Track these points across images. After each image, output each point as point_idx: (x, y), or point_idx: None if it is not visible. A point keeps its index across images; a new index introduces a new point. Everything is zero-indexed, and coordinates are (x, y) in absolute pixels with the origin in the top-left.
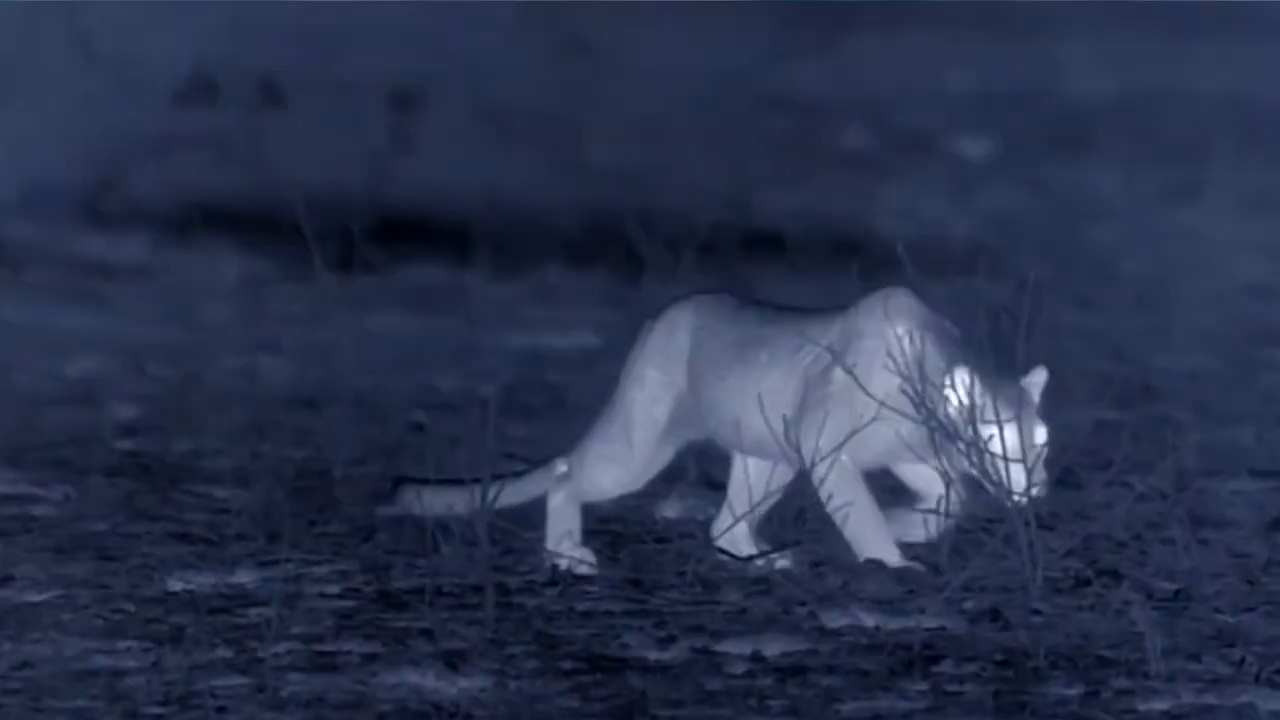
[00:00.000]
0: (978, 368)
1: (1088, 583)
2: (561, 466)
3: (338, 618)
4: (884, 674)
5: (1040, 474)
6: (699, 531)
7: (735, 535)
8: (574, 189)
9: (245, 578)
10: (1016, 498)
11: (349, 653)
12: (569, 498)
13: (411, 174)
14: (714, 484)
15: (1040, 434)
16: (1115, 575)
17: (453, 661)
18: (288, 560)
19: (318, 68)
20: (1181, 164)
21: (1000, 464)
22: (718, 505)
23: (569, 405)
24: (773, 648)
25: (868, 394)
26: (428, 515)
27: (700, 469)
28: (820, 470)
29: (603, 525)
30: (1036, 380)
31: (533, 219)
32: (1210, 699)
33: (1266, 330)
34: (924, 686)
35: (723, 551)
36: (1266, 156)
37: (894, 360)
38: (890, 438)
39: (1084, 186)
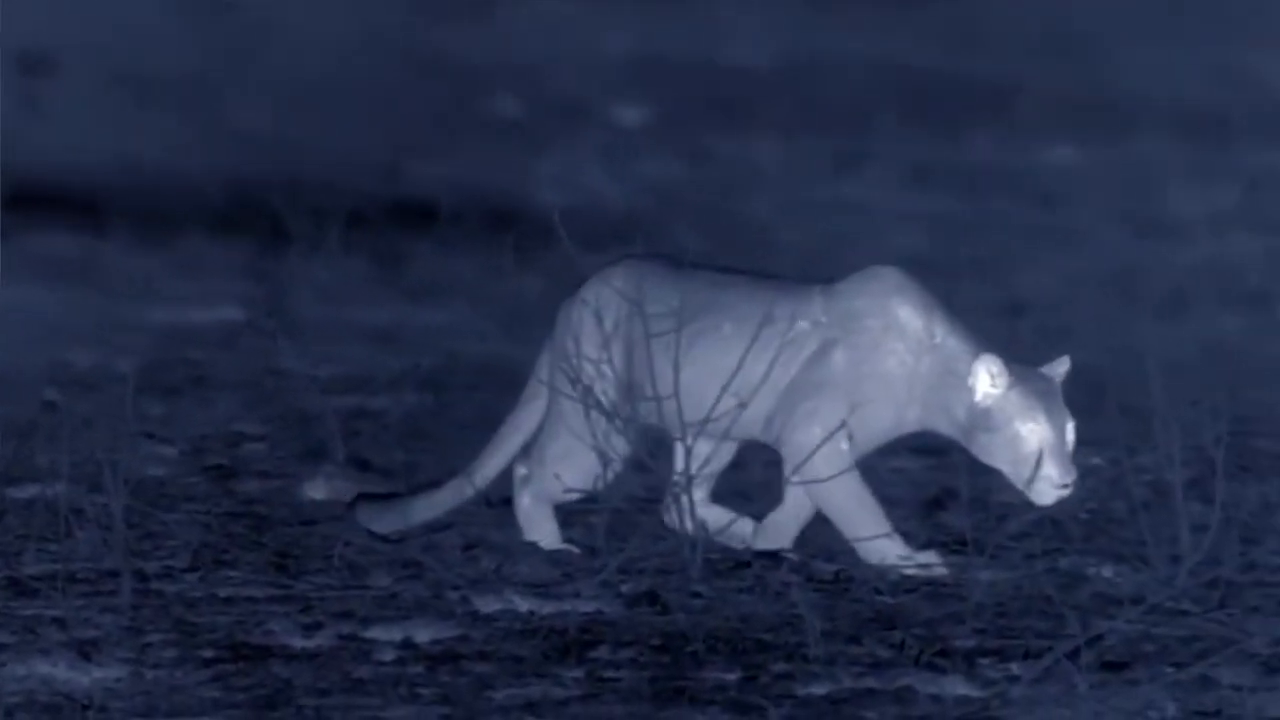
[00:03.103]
0: (1001, 355)
1: (747, 564)
2: (521, 469)
3: None
4: (538, 660)
5: (1071, 468)
6: (346, 513)
7: (686, 514)
8: (216, 156)
9: None
10: (1057, 493)
11: None
12: (536, 499)
13: (43, 140)
14: (362, 464)
15: (1070, 428)
16: (775, 557)
17: (86, 651)
18: None
19: None
20: (842, 134)
21: (1032, 457)
22: (366, 486)
23: (211, 382)
24: (423, 634)
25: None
26: (407, 527)
27: (349, 448)
28: (813, 462)
29: (245, 507)
30: (1059, 369)
31: (173, 187)
32: (870, 682)
33: None
34: (579, 673)
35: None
36: (927, 128)
37: (650, 338)
38: (891, 420)
39: (743, 156)
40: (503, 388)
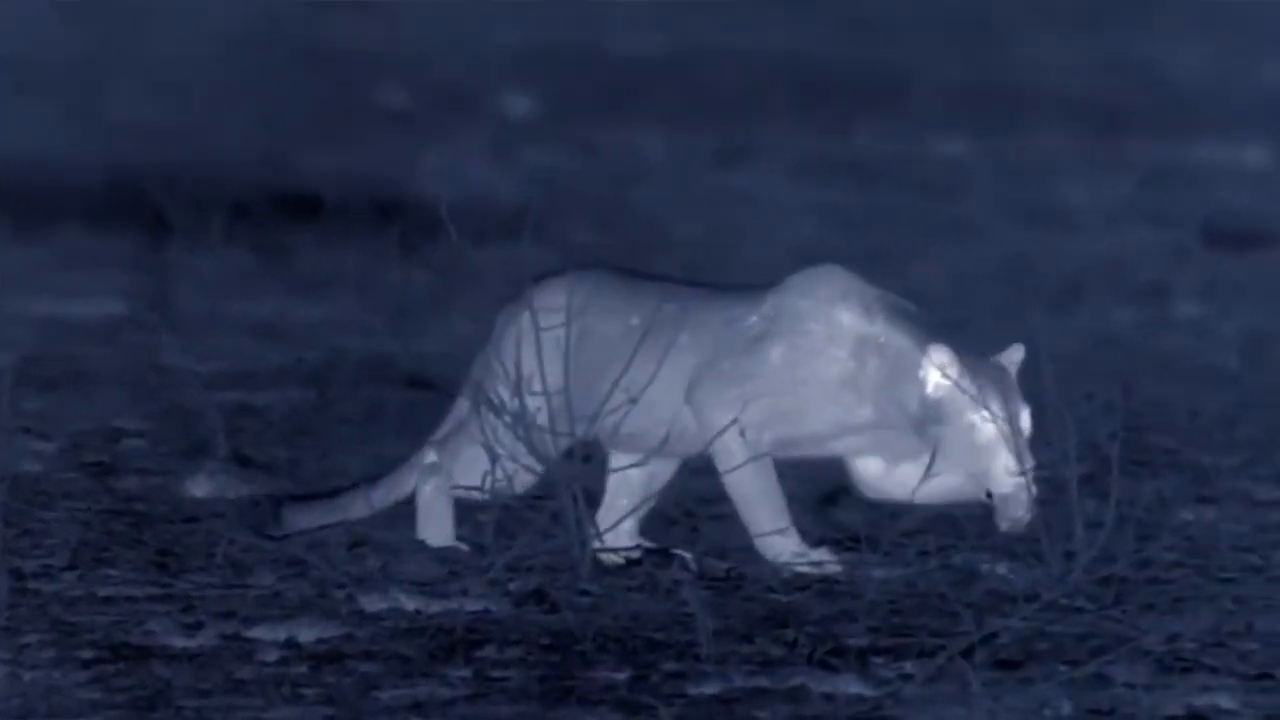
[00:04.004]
0: (952, 345)
1: (638, 562)
2: (431, 456)
3: None
4: (424, 659)
5: (1028, 460)
6: (230, 510)
7: (619, 531)
8: (96, 146)
9: None
10: (1014, 482)
11: None
12: (438, 490)
13: None
14: (245, 460)
15: (1025, 416)
16: (666, 554)
17: None
18: None
19: None
20: (732, 125)
21: (987, 446)
22: (250, 483)
23: (91, 376)
24: (307, 633)
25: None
26: (315, 528)
27: (231, 444)
28: (727, 445)
29: (125, 504)
30: (1014, 358)
31: (52, 178)
32: (762, 681)
33: None
34: (466, 672)
35: (611, 550)
36: (818, 118)
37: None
38: (834, 421)
39: (632, 147)
40: (388, 383)
